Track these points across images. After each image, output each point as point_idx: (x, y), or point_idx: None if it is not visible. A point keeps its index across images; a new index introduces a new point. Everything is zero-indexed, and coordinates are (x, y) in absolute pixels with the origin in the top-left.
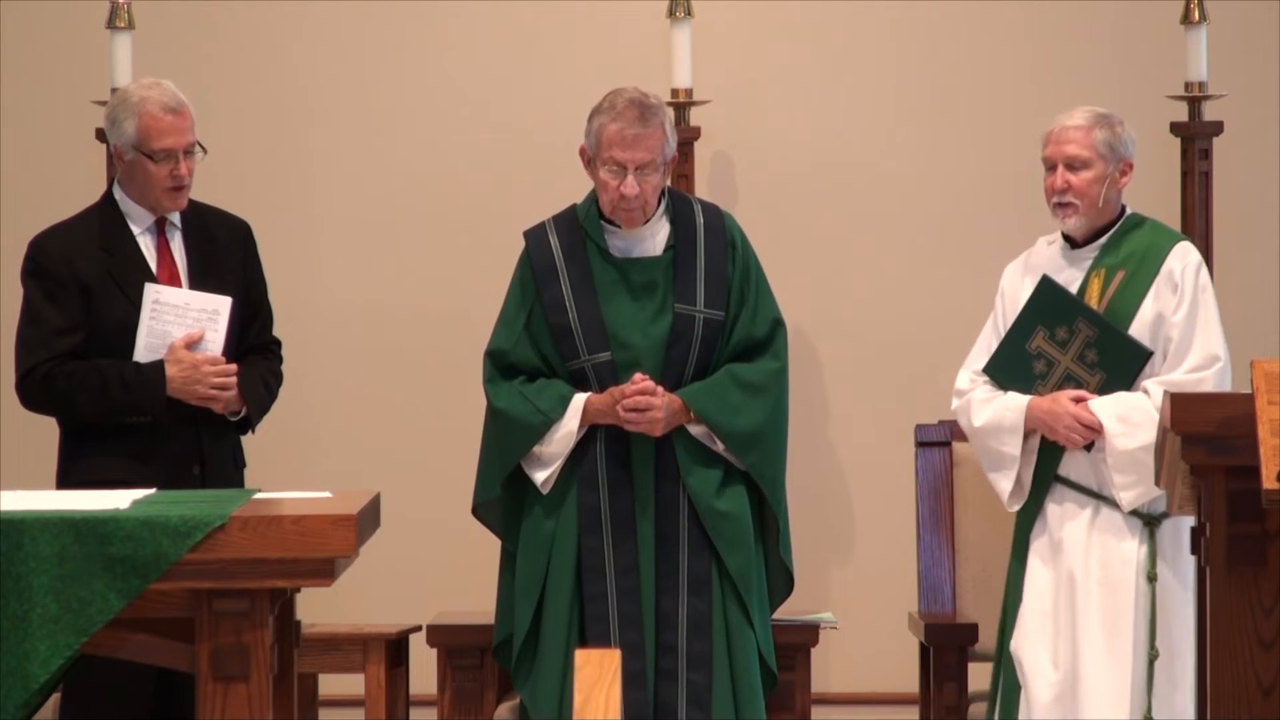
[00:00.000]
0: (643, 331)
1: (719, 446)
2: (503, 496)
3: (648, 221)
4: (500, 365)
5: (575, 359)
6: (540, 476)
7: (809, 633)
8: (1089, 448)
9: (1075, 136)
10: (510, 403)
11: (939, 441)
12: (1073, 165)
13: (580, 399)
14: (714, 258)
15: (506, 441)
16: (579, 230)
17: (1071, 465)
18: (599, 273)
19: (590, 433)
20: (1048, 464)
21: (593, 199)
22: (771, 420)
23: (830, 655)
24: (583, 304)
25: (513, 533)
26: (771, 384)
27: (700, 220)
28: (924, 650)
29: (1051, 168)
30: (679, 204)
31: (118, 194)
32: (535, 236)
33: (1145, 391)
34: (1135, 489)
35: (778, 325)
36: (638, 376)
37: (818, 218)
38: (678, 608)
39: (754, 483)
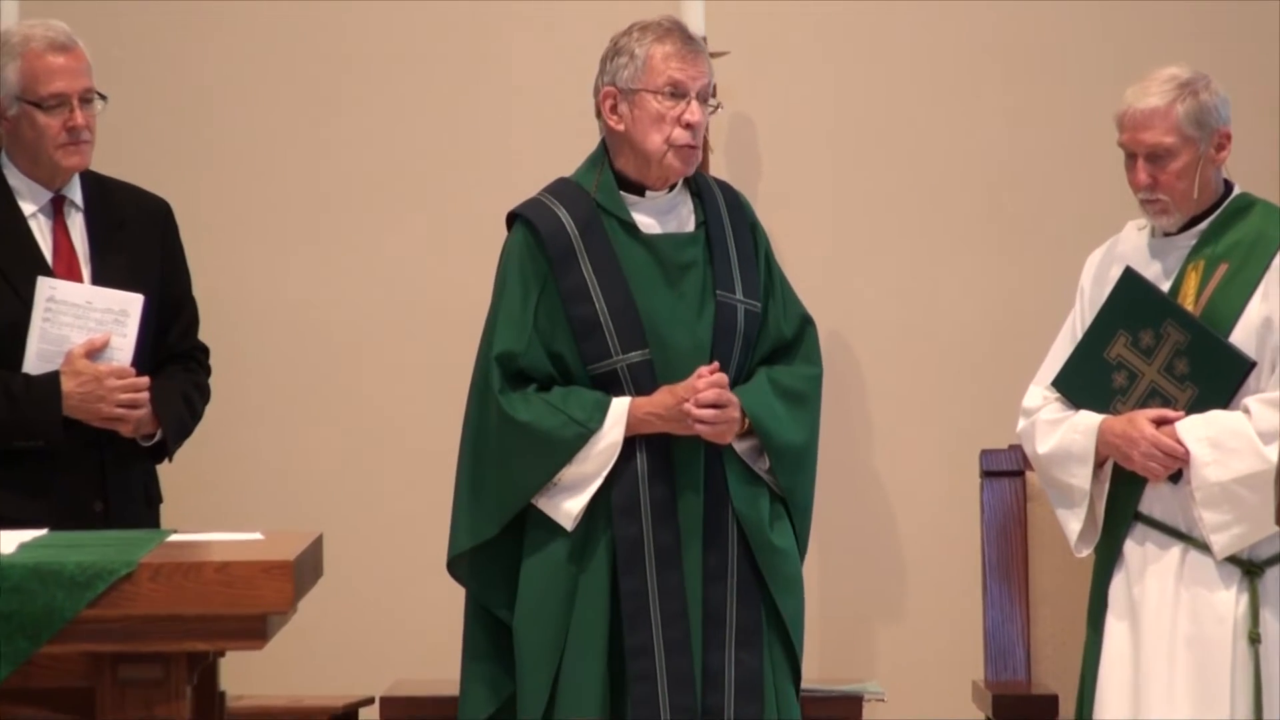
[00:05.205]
0: (687, 326)
1: (763, 465)
2: (485, 546)
3: (671, 190)
4: (509, 372)
5: (603, 359)
6: (570, 507)
7: (851, 705)
8: (1175, 479)
9: (1153, 121)
10: (536, 413)
11: (1010, 471)
12: (1155, 155)
13: (622, 403)
14: (743, 240)
15: (527, 463)
16: (589, 202)
17: (1155, 501)
18: (625, 253)
19: (627, 449)
20: (1126, 499)
21: (597, 165)
22: (813, 437)
23: None
24: (611, 292)
25: (502, 593)
26: (813, 393)
27: (720, 197)
28: None
29: (1131, 158)
30: (695, 176)
31: (5, 167)
32: (539, 213)
33: (1246, 411)
34: (1231, 530)
35: (807, 323)
36: (706, 368)
37: (855, 193)
38: (724, 665)
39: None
